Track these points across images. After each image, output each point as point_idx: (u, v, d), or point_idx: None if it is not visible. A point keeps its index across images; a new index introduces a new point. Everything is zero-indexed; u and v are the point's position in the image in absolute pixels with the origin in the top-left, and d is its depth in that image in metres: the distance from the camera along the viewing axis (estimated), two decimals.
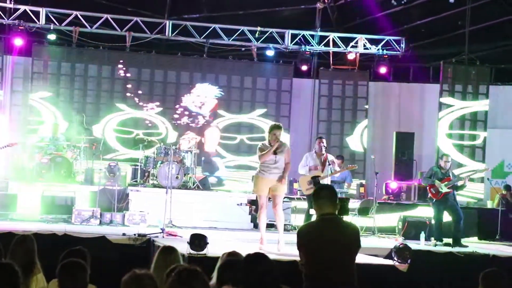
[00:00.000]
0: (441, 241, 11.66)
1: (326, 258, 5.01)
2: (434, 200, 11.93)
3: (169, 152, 13.13)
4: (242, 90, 16.94)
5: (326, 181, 11.00)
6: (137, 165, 14.24)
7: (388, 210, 13.85)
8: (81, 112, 15.63)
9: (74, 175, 13.82)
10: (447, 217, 11.99)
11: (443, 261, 9.90)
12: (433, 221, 12.11)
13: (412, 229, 12.55)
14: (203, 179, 14.56)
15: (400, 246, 9.04)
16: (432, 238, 11.83)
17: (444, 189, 11.77)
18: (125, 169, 14.46)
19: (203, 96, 16.55)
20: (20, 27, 14.99)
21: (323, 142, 11.24)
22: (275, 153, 9.31)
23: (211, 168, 16.27)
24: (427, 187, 12.11)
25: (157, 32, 15.95)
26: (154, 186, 13.69)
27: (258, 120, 16.81)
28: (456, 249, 10.83)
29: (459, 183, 11.98)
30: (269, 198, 9.67)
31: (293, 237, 11.02)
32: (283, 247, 9.28)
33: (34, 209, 12.32)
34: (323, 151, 11.15)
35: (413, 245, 9.98)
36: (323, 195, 5.15)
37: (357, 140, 16.91)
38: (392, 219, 13.56)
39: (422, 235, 11.70)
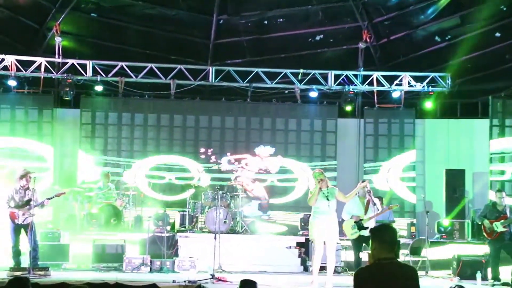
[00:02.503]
0: (499, 280, 11.30)
1: None
2: (489, 239, 11.59)
3: (216, 197, 13.17)
4: (287, 132, 16.92)
5: (371, 223, 10.85)
6: (185, 211, 14.30)
7: (442, 250, 13.50)
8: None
9: (124, 223, 14.01)
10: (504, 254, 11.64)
11: None
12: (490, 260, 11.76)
13: (467, 268, 12.14)
14: (251, 223, 14.51)
15: (456, 287, 8.78)
16: (489, 278, 11.46)
17: (500, 228, 11.42)
18: (173, 215, 14.52)
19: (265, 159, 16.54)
20: (68, 80, 15.34)
21: (367, 186, 11.13)
22: (327, 198, 9.86)
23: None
24: (482, 226, 11.78)
25: (201, 78, 16.13)
26: (202, 231, 13.70)
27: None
28: None
29: None
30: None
31: (343, 279, 10.98)
32: None
33: (85, 258, 12.51)
34: (366, 195, 11.05)
35: (469, 285, 9.74)
36: (385, 238, 4.90)
37: (382, 178, 16.53)
38: (445, 259, 13.21)
39: (479, 275, 11.35)
